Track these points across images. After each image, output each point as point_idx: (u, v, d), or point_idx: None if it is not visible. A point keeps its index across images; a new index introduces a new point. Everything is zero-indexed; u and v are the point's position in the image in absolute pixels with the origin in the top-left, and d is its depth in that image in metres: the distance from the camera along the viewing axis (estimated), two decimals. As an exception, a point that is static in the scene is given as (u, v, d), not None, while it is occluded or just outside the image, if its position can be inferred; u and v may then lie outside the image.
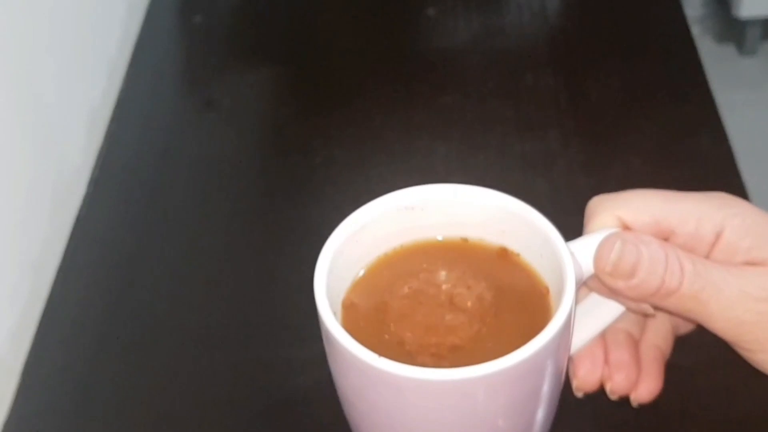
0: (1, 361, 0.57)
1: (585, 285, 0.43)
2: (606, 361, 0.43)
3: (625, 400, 0.44)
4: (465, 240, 0.45)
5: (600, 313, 0.43)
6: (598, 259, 0.40)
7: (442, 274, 0.44)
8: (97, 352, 0.59)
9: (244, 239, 0.65)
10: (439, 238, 0.45)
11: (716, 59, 1.69)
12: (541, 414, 0.43)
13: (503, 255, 0.44)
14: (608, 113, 0.72)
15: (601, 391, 0.44)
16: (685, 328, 0.45)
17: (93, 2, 0.76)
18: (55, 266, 0.64)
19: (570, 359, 0.44)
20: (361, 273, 0.45)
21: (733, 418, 0.52)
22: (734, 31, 1.74)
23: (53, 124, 0.68)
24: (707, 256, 0.41)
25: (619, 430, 0.52)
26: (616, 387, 0.43)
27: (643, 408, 0.52)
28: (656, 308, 0.41)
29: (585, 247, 0.41)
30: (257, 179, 0.70)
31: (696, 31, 1.73)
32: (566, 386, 0.44)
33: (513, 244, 0.44)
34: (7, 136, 0.60)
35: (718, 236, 0.40)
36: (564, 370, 0.43)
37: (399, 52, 0.80)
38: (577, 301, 0.43)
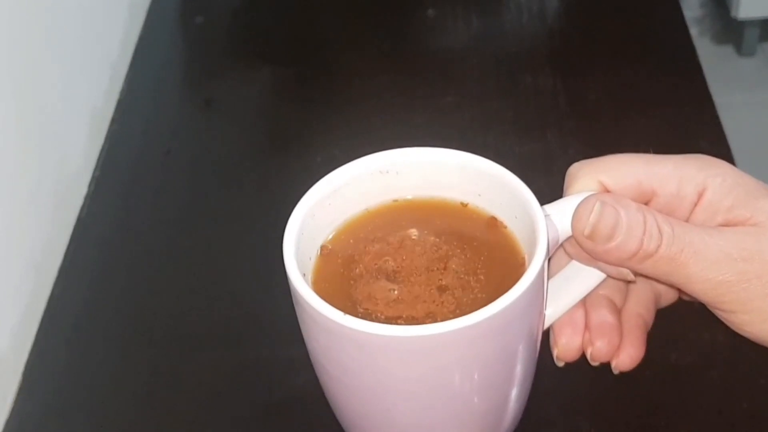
0: (4, 361, 0.57)
1: (564, 251, 0.42)
2: (587, 326, 0.42)
3: (607, 370, 0.43)
4: (464, 205, 0.45)
5: (580, 281, 0.42)
6: (576, 220, 0.39)
7: (420, 236, 0.43)
8: (98, 352, 0.59)
9: (245, 238, 0.65)
10: (411, 197, 0.45)
11: (715, 60, 1.69)
12: (516, 380, 0.42)
13: (492, 224, 0.44)
14: (607, 114, 0.73)
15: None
16: (667, 299, 0.44)
17: (95, 3, 0.76)
18: (57, 266, 0.64)
19: (550, 329, 0.43)
20: (334, 233, 0.44)
21: (732, 417, 0.52)
22: (732, 32, 1.74)
23: (55, 124, 0.68)
24: (688, 218, 0.40)
25: (617, 430, 0.53)
26: (597, 353, 0.42)
27: (642, 407, 0.53)
28: (635, 274, 0.40)
29: (562, 209, 0.40)
30: (257, 179, 0.70)
31: (694, 32, 1.74)
32: (547, 365, 0.43)
33: (490, 207, 0.44)
34: (9, 136, 0.61)
35: (699, 196, 0.40)
36: (538, 332, 0.42)
37: (399, 53, 0.80)
38: (555, 266, 0.43)
